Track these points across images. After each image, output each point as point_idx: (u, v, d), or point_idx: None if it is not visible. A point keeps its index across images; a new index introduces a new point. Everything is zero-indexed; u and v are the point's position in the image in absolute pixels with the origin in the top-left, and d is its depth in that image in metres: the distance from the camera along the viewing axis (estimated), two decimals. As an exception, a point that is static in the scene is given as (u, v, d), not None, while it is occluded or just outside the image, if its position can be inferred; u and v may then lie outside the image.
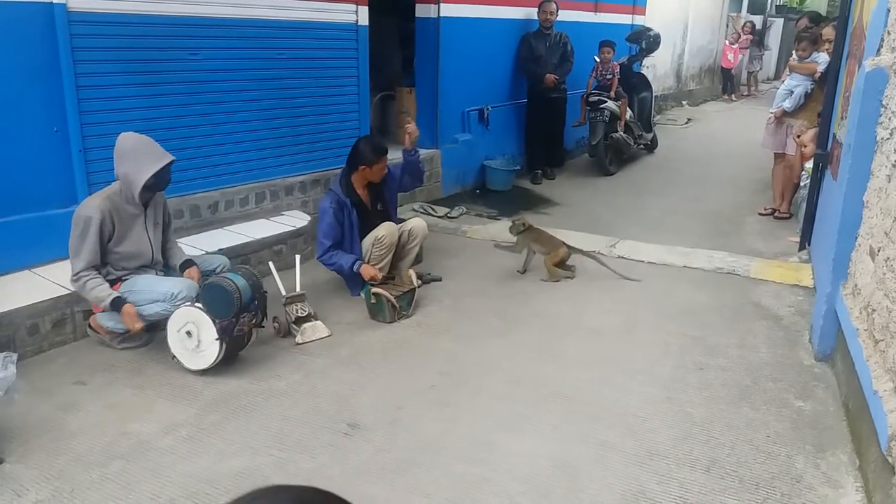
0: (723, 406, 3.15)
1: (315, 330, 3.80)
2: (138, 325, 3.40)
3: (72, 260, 3.40)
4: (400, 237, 4.42)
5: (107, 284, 3.40)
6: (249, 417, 3.03)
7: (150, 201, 3.59)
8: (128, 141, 3.40)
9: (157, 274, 3.65)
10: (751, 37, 16.55)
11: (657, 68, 12.77)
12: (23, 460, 2.71)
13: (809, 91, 5.91)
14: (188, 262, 3.71)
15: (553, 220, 6.17)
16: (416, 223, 4.52)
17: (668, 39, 12.79)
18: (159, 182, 3.49)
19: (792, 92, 5.99)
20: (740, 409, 3.13)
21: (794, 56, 6.12)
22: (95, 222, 3.33)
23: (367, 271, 4.16)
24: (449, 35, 6.63)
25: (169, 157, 3.44)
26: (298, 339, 3.73)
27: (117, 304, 3.36)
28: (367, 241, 4.32)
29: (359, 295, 4.27)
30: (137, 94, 4.26)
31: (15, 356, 2.92)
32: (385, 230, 4.29)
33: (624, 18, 10.09)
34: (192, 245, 4.30)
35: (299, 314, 3.81)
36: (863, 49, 3.59)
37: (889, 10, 3.14)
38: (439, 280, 4.63)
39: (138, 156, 3.36)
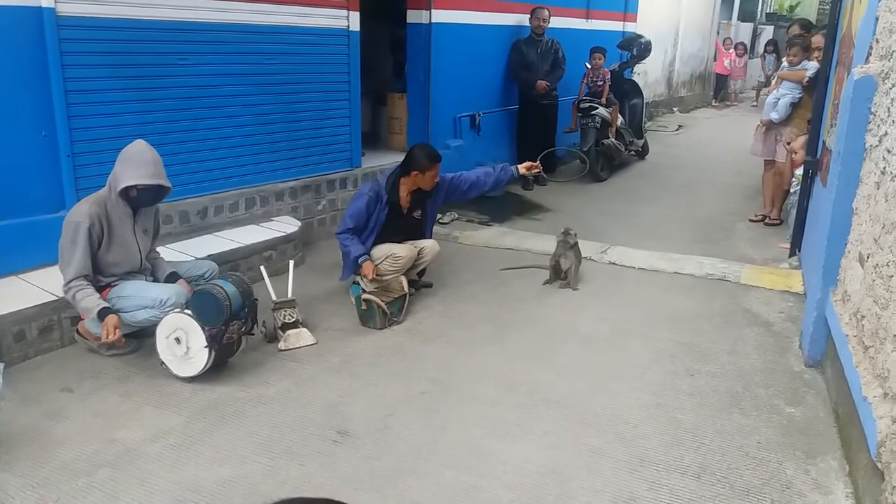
0: (713, 412, 3.15)
1: (299, 337, 3.77)
2: (112, 337, 3.26)
3: (63, 268, 3.36)
4: None
5: (96, 295, 3.35)
6: (238, 425, 3.01)
7: (140, 207, 3.56)
8: (137, 147, 3.38)
9: (145, 280, 3.63)
10: (745, 59, 16.64)
11: (648, 75, 12.83)
12: (8, 468, 2.68)
13: (796, 101, 5.94)
14: (174, 276, 3.67)
15: (545, 226, 6.17)
16: (430, 245, 4.50)
17: (660, 46, 12.88)
18: (141, 197, 3.45)
19: (778, 101, 6.01)
20: (731, 416, 3.13)
21: (784, 63, 6.16)
22: (84, 228, 3.30)
23: (367, 268, 4.14)
24: (440, 41, 6.64)
25: (161, 181, 3.41)
26: (281, 345, 3.71)
27: (104, 315, 3.32)
28: (382, 249, 4.27)
29: (346, 280, 4.34)
30: (126, 99, 4.25)
31: (2, 366, 2.89)
32: (405, 252, 4.28)
33: (615, 25, 10.13)
34: (181, 251, 4.28)
35: (286, 320, 3.79)
36: (851, 57, 3.61)
37: (877, 19, 3.16)
38: (430, 286, 4.62)
39: (135, 162, 3.34)
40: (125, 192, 3.37)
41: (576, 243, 4.64)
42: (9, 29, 3.67)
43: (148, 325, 3.41)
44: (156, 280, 3.69)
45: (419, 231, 4.52)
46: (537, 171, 4.58)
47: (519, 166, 4.57)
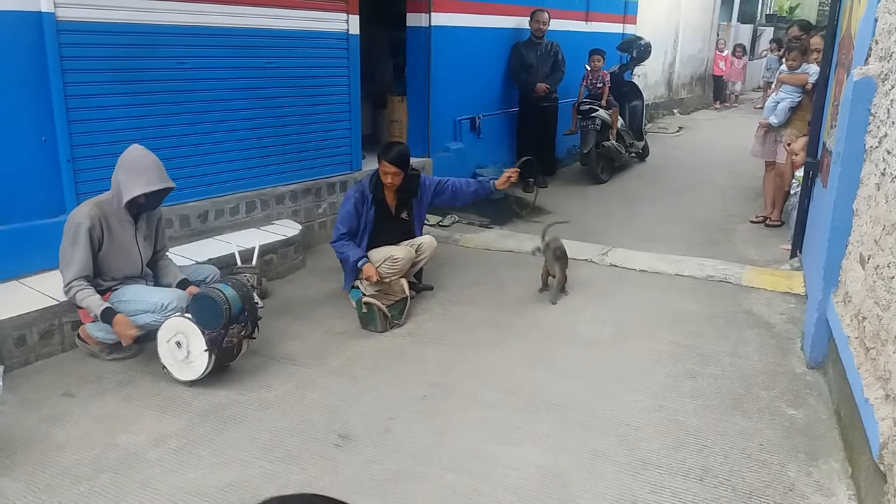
0: (715, 414, 3.15)
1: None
2: (132, 332, 3.33)
3: (63, 269, 3.36)
4: None
5: (97, 296, 3.36)
6: (239, 429, 3.01)
7: (142, 213, 3.56)
8: (134, 152, 3.38)
9: (146, 284, 3.62)
10: (745, 60, 16.60)
11: (648, 77, 12.83)
12: (9, 473, 2.68)
13: (795, 104, 5.93)
14: (184, 283, 3.66)
15: (545, 228, 6.16)
16: (427, 240, 4.51)
17: (659, 48, 12.88)
18: (148, 202, 3.47)
19: (778, 104, 6.01)
20: (733, 418, 3.12)
21: (784, 67, 6.16)
22: (85, 228, 3.31)
23: (368, 270, 4.13)
24: (440, 44, 6.65)
25: (167, 184, 3.42)
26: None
27: (107, 316, 3.32)
28: (380, 253, 4.27)
29: (349, 289, 4.30)
30: (127, 104, 4.25)
31: (1, 368, 2.89)
32: (403, 253, 4.29)
33: (615, 27, 10.15)
34: (181, 255, 4.28)
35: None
36: (851, 58, 3.61)
37: (877, 20, 3.16)
38: (431, 289, 4.61)
39: (137, 170, 3.34)
40: (132, 201, 3.38)
41: (559, 246, 4.46)
42: (9, 34, 3.67)
43: (149, 329, 3.41)
44: (164, 285, 3.68)
45: (409, 233, 4.52)
46: (516, 180, 4.54)
47: (496, 181, 4.53)
